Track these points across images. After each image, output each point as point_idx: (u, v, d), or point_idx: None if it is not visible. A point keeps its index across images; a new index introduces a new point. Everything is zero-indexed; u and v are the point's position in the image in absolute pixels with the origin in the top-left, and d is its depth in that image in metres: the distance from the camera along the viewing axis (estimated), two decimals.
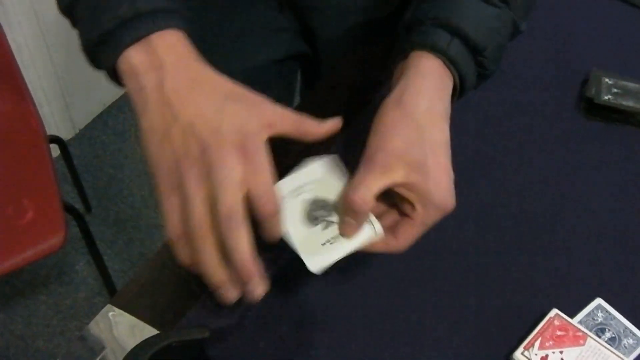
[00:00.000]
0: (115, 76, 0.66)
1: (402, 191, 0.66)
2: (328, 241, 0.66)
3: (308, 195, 0.67)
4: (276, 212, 0.61)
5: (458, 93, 0.72)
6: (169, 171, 0.61)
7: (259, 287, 0.61)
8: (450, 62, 0.69)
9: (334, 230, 0.66)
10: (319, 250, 0.65)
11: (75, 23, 0.69)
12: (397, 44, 0.73)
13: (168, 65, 0.62)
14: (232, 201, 0.58)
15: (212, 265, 0.61)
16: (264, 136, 0.61)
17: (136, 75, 0.63)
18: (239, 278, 0.61)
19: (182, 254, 0.62)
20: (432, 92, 0.68)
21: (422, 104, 0.67)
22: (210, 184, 0.59)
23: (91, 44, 0.65)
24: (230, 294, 0.63)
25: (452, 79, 0.70)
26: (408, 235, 0.67)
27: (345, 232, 0.66)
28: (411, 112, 0.66)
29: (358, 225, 0.66)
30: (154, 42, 0.63)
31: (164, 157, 0.61)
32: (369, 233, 0.66)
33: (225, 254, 0.60)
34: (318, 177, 0.68)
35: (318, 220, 0.67)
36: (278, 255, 0.76)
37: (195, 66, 0.64)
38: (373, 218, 0.67)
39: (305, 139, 0.65)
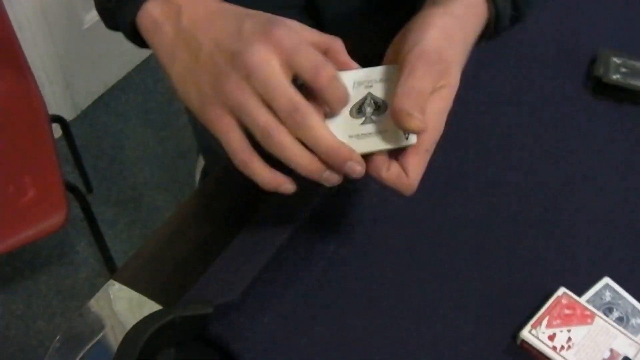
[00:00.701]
0: (134, 36, 0.65)
1: None
2: (358, 135, 0.62)
3: (364, 90, 0.64)
4: (332, 79, 0.58)
5: (491, 33, 0.72)
6: (209, 97, 0.59)
7: (357, 167, 0.59)
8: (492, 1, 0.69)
9: (369, 128, 0.63)
10: (345, 139, 0.62)
11: None
12: None
13: (185, 6, 0.62)
14: (284, 93, 0.56)
15: (305, 156, 0.58)
16: (286, 30, 0.59)
17: (158, 26, 0.62)
18: (331, 164, 0.59)
19: (261, 174, 0.60)
20: (469, 21, 0.69)
21: (458, 27, 0.67)
22: (256, 86, 0.57)
23: (107, 2, 0.65)
24: (333, 177, 0.60)
25: (486, 14, 0.70)
26: (415, 167, 0.63)
27: (412, 125, 0.60)
28: (461, 29, 0.67)
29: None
30: None
31: (201, 87, 0.60)
32: (400, 138, 0.63)
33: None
34: (380, 77, 0.65)
35: (363, 114, 0.63)
36: (280, 232, 0.76)
37: (211, 2, 0.63)
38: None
39: (327, 58, 0.61)
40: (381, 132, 0.63)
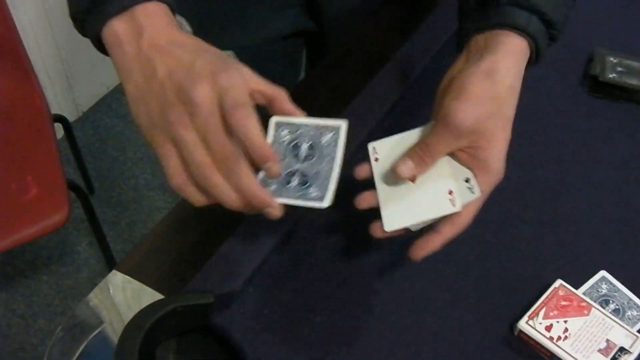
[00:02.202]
0: (100, 46, 0.68)
1: (461, 156, 0.68)
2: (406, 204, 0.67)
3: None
4: (244, 118, 0.60)
5: (530, 65, 0.74)
6: (156, 123, 0.62)
7: (272, 212, 0.63)
8: (531, 38, 0.71)
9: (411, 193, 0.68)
10: (398, 208, 0.67)
11: None
12: (464, 19, 0.75)
13: (147, 29, 0.64)
14: (218, 140, 0.60)
15: (230, 197, 0.62)
16: (236, 73, 0.62)
17: (120, 44, 0.64)
18: (252, 207, 0.63)
19: (194, 197, 0.64)
20: (517, 70, 0.70)
21: (508, 80, 0.69)
22: (196, 125, 0.60)
23: (78, 13, 0.67)
24: (253, 212, 0.64)
25: (528, 53, 0.72)
26: (470, 207, 0.68)
27: (399, 170, 0.66)
28: (498, 87, 0.68)
29: (415, 173, 0.67)
30: (136, 12, 0.65)
31: (149, 111, 0.62)
32: (448, 206, 0.67)
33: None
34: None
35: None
36: (282, 224, 0.76)
37: (175, 31, 0.66)
38: (455, 195, 0.67)
39: (272, 107, 0.66)
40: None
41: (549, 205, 0.82)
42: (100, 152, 2.24)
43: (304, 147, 0.67)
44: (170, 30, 0.65)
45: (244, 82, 0.62)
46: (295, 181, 0.66)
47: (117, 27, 0.65)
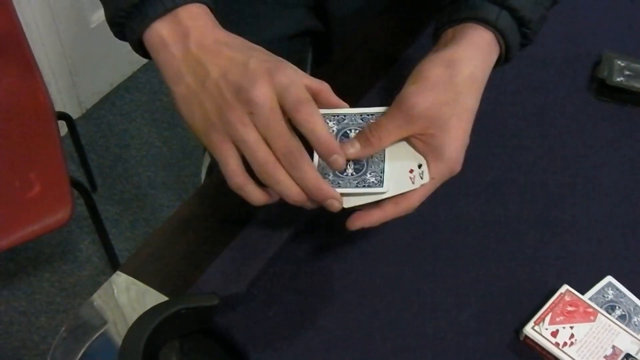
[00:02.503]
0: (141, 49, 0.68)
1: (416, 143, 0.68)
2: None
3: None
4: (310, 114, 0.62)
5: (501, 62, 0.75)
6: (213, 123, 0.63)
7: (335, 203, 0.64)
8: (500, 33, 0.71)
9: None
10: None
11: None
12: (441, 14, 0.75)
13: (193, 31, 0.65)
14: (281, 135, 0.61)
15: (293, 190, 0.63)
16: (291, 70, 0.64)
17: (166, 46, 0.65)
18: (314, 200, 0.64)
19: (254, 195, 0.65)
20: (479, 62, 0.70)
21: (467, 69, 0.69)
22: (257, 124, 0.61)
23: (117, 17, 0.67)
24: (313, 206, 0.65)
25: (498, 50, 0.72)
26: (417, 192, 0.68)
27: (345, 152, 0.66)
28: (455, 75, 0.68)
29: (360, 154, 0.67)
30: (179, 14, 0.65)
31: (205, 112, 0.63)
32: (408, 184, 0.67)
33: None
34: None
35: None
36: (286, 226, 0.76)
37: (219, 31, 0.66)
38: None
39: (318, 100, 0.66)
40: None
41: (555, 209, 0.82)
42: (103, 149, 2.23)
43: (352, 135, 0.68)
44: (215, 30, 0.66)
45: (300, 78, 0.63)
46: (350, 169, 0.67)
47: (162, 30, 0.65)
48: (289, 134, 0.62)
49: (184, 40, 0.64)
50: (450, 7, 0.74)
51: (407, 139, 0.68)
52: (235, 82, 0.62)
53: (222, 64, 0.63)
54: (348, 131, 0.68)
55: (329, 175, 0.66)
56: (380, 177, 0.66)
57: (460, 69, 0.68)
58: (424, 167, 0.67)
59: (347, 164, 0.67)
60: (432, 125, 0.66)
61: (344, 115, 0.68)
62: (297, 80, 0.62)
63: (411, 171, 0.67)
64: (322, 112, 0.67)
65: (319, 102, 0.66)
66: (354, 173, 0.67)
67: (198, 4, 0.66)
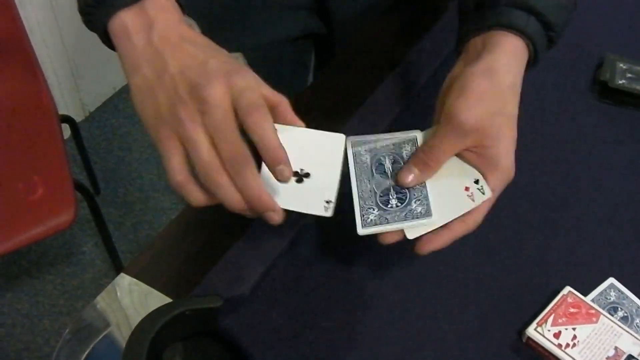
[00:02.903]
0: (108, 39, 0.67)
1: (470, 156, 0.68)
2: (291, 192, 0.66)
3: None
4: (261, 120, 0.60)
5: (530, 66, 0.74)
6: (163, 118, 0.62)
7: (275, 216, 0.63)
8: (529, 39, 0.71)
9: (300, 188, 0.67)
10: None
11: None
12: (465, 21, 0.75)
13: (158, 23, 0.64)
14: (230, 139, 0.60)
15: (234, 198, 0.62)
16: (250, 75, 0.63)
17: (128, 36, 0.64)
18: (253, 209, 0.62)
19: (193, 196, 0.63)
20: (516, 69, 0.70)
21: (508, 78, 0.69)
22: (207, 124, 0.60)
23: (87, 6, 0.66)
24: (253, 216, 0.64)
25: (527, 54, 0.72)
26: (481, 207, 0.68)
27: (403, 181, 0.67)
28: (499, 84, 0.68)
29: (420, 180, 0.67)
30: (146, 5, 0.65)
31: (157, 106, 0.62)
32: (468, 202, 0.67)
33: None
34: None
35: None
36: (290, 228, 0.76)
37: (185, 27, 0.66)
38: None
39: (275, 114, 0.65)
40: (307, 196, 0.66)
41: (558, 211, 0.82)
42: (106, 152, 2.24)
43: (388, 164, 0.68)
44: (180, 26, 0.65)
45: (258, 86, 0.62)
46: (393, 200, 0.67)
47: (126, 19, 0.64)
48: (239, 139, 0.60)
49: (148, 31, 0.64)
50: (475, 14, 0.73)
51: (458, 155, 0.68)
52: (191, 79, 0.61)
53: (182, 59, 0.62)
54: (382, 158, 0.68)
55: (374, 209, 0.66)
56: (426, 204, 0.66)
57: (503, 78, 0.68)
58: (482, 182, 0.67)
59: (389, 195, 0.67)
60: (485, 137, 0.66)
61: (375, 142, 0.68)
62: (254, 86, 0.62)
63: (467, 189, 0.67)
64: (352, 140, 0.68)
65: (276, 116, 0.65)
66: (399, 204, 0.66)
67: None
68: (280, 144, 0.61)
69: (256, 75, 0.64)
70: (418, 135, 0.69)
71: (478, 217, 0.68)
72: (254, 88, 0.61)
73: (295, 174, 0.66)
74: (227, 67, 0.62)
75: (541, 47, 0.73)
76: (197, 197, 0.63)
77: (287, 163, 0.61)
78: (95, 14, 0.66)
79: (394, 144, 0.69)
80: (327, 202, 0.65)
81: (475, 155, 0.67)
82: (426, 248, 0.67)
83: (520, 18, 0.70)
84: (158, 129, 0.62)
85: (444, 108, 0.67)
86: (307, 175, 0.66)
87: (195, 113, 0.60)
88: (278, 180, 0.62)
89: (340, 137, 0.67)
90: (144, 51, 0.64)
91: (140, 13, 0.64)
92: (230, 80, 0.60)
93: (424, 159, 0.66)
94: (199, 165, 0.61)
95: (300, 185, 0.66)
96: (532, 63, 0.74)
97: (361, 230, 0.66)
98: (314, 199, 0.66)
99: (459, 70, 0.71)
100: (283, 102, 0.65)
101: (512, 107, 0.68)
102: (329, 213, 0.65)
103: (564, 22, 0.74)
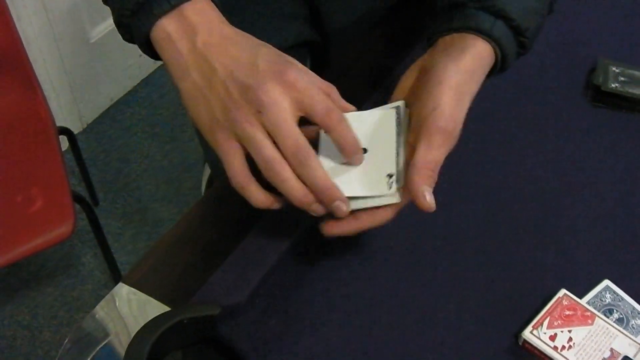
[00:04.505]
0: (149, 49, 0.68)
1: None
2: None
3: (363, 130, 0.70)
4: (340, 120, 0.63)
5: (496, 71, 0.75)
6: (219, 121, 0.63)
7: (343, 206, 0.65)
8: (495, 43, 0.71)
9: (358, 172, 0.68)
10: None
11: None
12: (435, 20, 0.75)
13: (199, 27, 0.65)
14: (291, 134, 0.61)
15: (300, 190, 0.63)
16: (302, 71, 0.64)
17: (172, 43, 0.65)
18: (321, 201, 0.64)
19: (255, 197, 0.65)
20: (480, 77, 0.71)
21: (473, 87, 0.70)
22: (265, 123, 0.61)
23: (124, 16, 0.67)
24: (319, 210, 0.65)
25: (493, 58, 0.72)
26: (393, 207, 0.68)
27: (427, 205, 0.66)
28: (473, 86, 0.70)
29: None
30: (185, 10, 0.66)
31: (211, 110, 0.64)
32: (384, 189, 0.67)
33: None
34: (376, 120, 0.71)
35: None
36: (288, 235, 0.77)
37: (225, 26, 0.67)
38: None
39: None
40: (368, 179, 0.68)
41: (552, 214, 0.82)
42: (104, 164, 2.25)
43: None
44: (221, 26, 0.67)
45: (311, 79, 0.64)
46: None
47: (168, 26, 0.65)
48: (300, 134, 0.62)
49: (191, 37, 0.65)
50: (444, 14, 0.74)
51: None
52: (242, 82, 0.62)
53: (228, 62, 0.63)
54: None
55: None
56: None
57: (476, 81, 0.70)
58: (396, 182, 0.67)
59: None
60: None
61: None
62: (313, 83, 0.63)
63: (390, 176, 0.67)
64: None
65: None
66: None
67: (203, 0, 0.67)
68: (332, 182, 0.63)
69: (306, 69, 0.65)
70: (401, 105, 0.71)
71: (388, 215, 0.68)
72: (315, 86, 0.63)
73: None
74: (277, 66, 0.63)
75: (510, 52, 0.73)
76: (260, 199, 0.65)
77: (343, 199, 0.64)
78: (134, 24, 0.67)
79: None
80: (389, 175, 0.67)
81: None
82: (331, 230, 0.68)
83: (485, 21, 0.71)
84: (215, 132, 0.64)
85: (427, 109, 0.67)
86: (364, 150, 0.68)
87: (250, 113, 0.62)
88: (337, 215, 0.65)
89: (391, 109, 0.70)
90: (189, 57, 0.65)
91: (181, 19, 0.65)
92: (284, 78, 0.62)
93: (434, 176, 0.66)
94: (261, 162, 0.62)
95: (361, 168, 0.68)
96: (499, 67, 0.74)
97: None
98: (376, 176, 0.67)
99: (428, 62, 0.72)
100: (333, 91, 0.67)
101: (462, 114, 0.69)
102: (395, 198, 0.67)
103: (536, 27, 0.75)
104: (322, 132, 0.70)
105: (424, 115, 0.67)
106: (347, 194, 0.66)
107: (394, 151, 0.68)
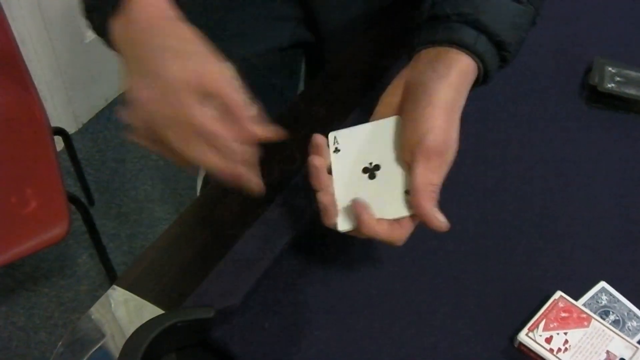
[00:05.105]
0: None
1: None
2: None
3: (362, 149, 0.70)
4: (236, 96, 0.63)
5: (478, 84, 0.74)
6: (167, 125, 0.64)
7: (253, 179, 0.66)
8: (479, 57, 0.71)
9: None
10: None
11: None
12: (418, 31, 0.74)
13: (141, 23, 0.66)
14: (198, 116, 0.62)
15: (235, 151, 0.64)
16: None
17: (119, 44, 0.67)
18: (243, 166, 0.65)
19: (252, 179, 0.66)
20: (465, 92, 0.70)
21: (464, 97, 0.70)
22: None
23: (85, 12, 0.70)
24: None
25: (476, 73, 0.72)
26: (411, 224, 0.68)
27: (441, 227, 0.66)
28: (460, 102, 0.69)
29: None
30: (132, 8, 0.66)
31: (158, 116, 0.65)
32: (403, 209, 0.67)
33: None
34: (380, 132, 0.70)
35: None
36: (281, 238, 0.77)
37: (168, 22, 0.68)
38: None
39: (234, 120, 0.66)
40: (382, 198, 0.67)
41: (548, 216, 0.82)
42: (99, 164, 2.24)
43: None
44: (161, 21, 0.67)
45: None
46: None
47: (116, 28, 0.67)
48: (200, 111, 0.63)
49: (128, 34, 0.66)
50: (427, 25, 0.74)
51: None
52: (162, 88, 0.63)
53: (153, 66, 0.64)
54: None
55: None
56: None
57: (462, 96, 0.69)
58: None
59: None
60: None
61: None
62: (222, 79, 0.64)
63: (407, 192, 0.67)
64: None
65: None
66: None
67: None
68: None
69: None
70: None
71: (404, 233, 0.67)
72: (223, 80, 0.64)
73: (365, 170, 0.68)
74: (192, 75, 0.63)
75: (492, 67, 0.73)
76: (252, 179, 0.66)
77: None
78: (94, 25, 0.69)
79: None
80: (407, 192, 0.67)
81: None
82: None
83: (469, 35, 0.70)
84: (170, 136, 0.64)
85: (419, 132, 0.66)
86: (377, 167, 0.68)
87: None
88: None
89: (395, 118, 0.69)
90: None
91: (125, 18, 0.66)
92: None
93: (436, 197, 0.66)
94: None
95: (375, 182, 0.67)
96: (480, 81, 0.73)
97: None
98: (396, 194, 0.67)
99: (412, 75, 0.71)
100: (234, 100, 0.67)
101: (456, 132, 0.68)
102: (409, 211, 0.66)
103: (519, 42, 0.74)
104: (332, 155, 0.69)
105: (417, 137, 0.66)
106: (379, 216, 0.66)
107: (403, 165, 0.68)
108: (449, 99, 0.67)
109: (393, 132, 0.69)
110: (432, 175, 0.65)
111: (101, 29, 0.68)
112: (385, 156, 0.68)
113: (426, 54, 0.72)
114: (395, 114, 0.70)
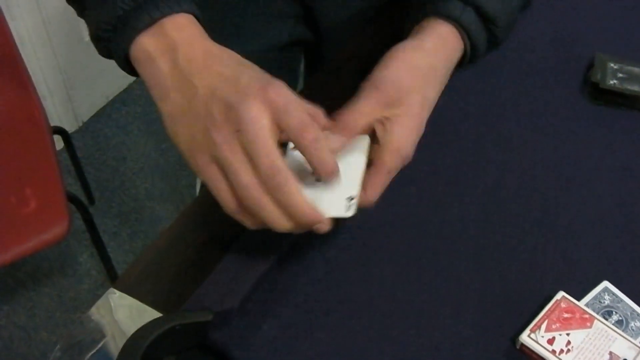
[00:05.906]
0: (127, 65, 0.66)
1: (378, 128, 0.67)
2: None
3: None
4: (316, 139, 0.59)
5: (468, 60, 0.75)
6: (199, 144, 0.60)
7: (323, 227, 0.63)
8: (463, 29, 0.71)
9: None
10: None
11: (82, 11, 0.69)
12: (410, 13, 0.76)
13: (180, 43, 0.62)
14: (269, 155, 0.58)
15: (278, 221, 0.61)
16: (285, 89, 0.61)
17: (152, 61, 0.62)
18: (300, 225, 0.61)
19: (249, 222, 0.63)
20: (442, 54, 0.71)
21: (429, 59, 0.70)
22: (244, 142, 0.58)
23: (102, 31, 0.64)
24: (301, 231, 0.64)
25: (462, 46, 0.72)
26: (375, 185, 0.67)
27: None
28: (420, 61, 0.69)
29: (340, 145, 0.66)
30: (165, 26, 0.63)
31: (191, 132, 0.61)
32: (342, 211, 0.66)
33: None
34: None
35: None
36: (280, 240, 0.76)
37: (207, 42, 0.64)
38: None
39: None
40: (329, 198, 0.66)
41: (550, 215, 0.81)
42: (100, 162, 2.24)
43: None
44: (203, 42, 0.63)
45: (291, 97, 0.60)
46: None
47: (148, 43, 0.62)
48: (277, 153, 0.58)
49: (171, 54, 0.62)
50: (416, 5, 0.75)
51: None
52: (224, 99, 0.59)
53: (211, 81, 0.60)
54: None
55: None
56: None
57: (424, 57, 0.69)
58: (355, 201, 0.66)
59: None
60: (398, 107, 0.66)
61: None
62: (295, 101, 0.60)
63: (351, 199, 0.66)
64: None
65: None
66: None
67: (184, 14, 0.64)
68: (312, 206, 0.60)
69: (290, 89, 0.61)
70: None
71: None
72: (297, 103, 0.59)
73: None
74: (259, 82, 0.59)
75: (479, 41, 0.73)
76: (252, 223, 0.63)
77: (324, 220, 0.62)
78: (113, 40, 0.64)
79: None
80: (350, 198, 0.65)
81: (381, 128, 0.66)
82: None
83: (455, 8, 0.71)
84: (195, 155, 0.61)
85: (370, 76, 0.68)
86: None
87: (230, 134, 0.58)
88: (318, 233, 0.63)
89: (364, 137, 0.68)
90: (170, 75, 0.62)
91: (161, 34, 0.62)
92: (267, 96, 0.58)
93: (347, 122, 0.66)
94: (238, 187, 0.59)
95: (323, 185, 0.66)
96: (469, 57, 0.74)
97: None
98: (337, 197, 0.65)
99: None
100: (319, 114, 0.64)
101: (430, 90, 0.68)
102: (350, 212, 0.65)
103: (508, 16, 0.74)
104: (289, 146, 0.67)
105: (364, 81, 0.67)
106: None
107: (361, 173, 0.67)
108: (420, 61, 0.68)
109: (363, 143, 0.69)
110: (361, 103, 0.67)
111: (120, 49, 0.64)
112: (344, 162, 0.67)
113: (412, 32, 0.74)
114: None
